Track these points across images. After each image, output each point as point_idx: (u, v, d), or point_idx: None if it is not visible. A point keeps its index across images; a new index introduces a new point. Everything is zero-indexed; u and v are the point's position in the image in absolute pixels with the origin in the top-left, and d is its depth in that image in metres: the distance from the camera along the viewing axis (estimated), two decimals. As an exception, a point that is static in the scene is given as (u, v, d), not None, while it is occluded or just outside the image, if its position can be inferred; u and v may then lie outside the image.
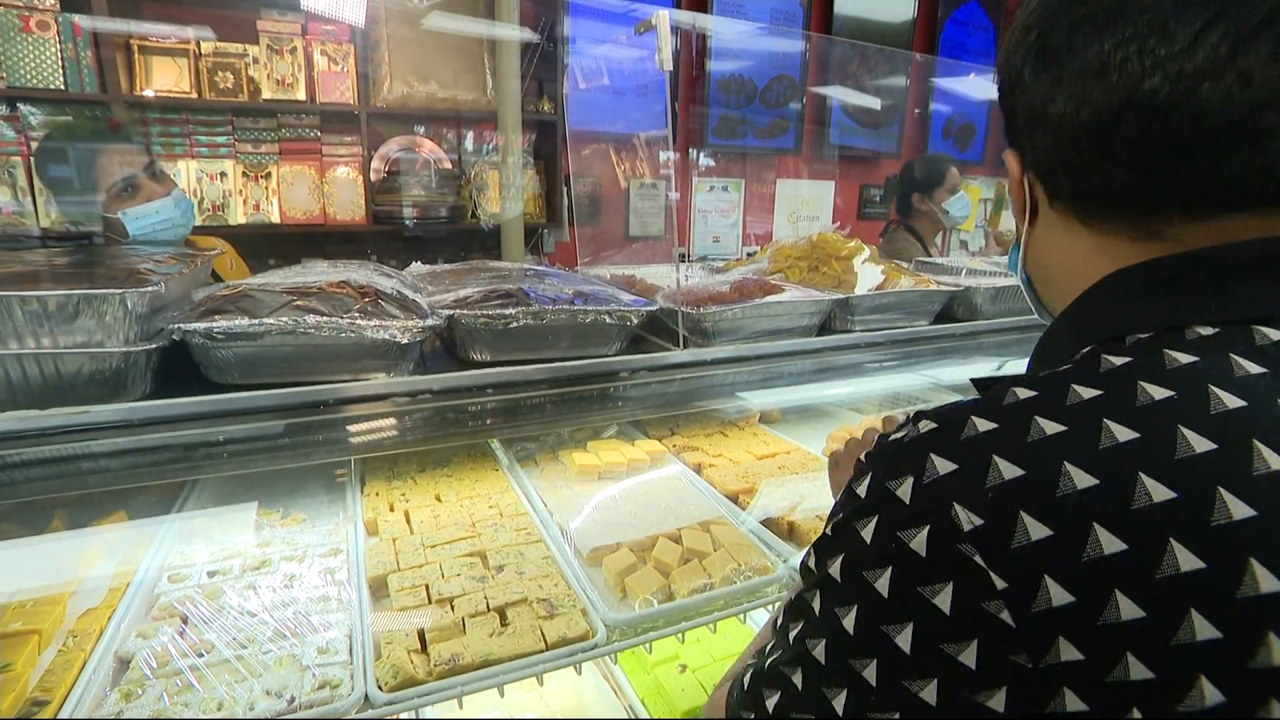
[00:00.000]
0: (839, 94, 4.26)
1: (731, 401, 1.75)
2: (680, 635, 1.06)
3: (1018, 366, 2.35)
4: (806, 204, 4.14)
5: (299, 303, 1.21)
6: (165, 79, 2.80)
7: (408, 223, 3.56)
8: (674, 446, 1.60)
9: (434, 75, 3.31)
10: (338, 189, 3.23)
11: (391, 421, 1.28)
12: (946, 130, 4.55)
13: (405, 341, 1.22)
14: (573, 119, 3.74)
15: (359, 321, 1.18)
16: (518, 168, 3.66)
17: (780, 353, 1.48)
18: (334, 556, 1.26)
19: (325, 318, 1.16)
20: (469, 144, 3.78)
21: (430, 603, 1.10)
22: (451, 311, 1.32)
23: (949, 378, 2.07)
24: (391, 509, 1.40)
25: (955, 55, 4.51)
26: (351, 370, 1.21)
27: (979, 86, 4.70)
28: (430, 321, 1.27)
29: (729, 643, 1.41)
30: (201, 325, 1.05)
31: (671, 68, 1.31)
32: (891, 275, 1.66)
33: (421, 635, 1.03)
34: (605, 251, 3.65)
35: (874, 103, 4.42)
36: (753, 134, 3.87)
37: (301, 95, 3.00)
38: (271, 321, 1.12)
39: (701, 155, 4.02)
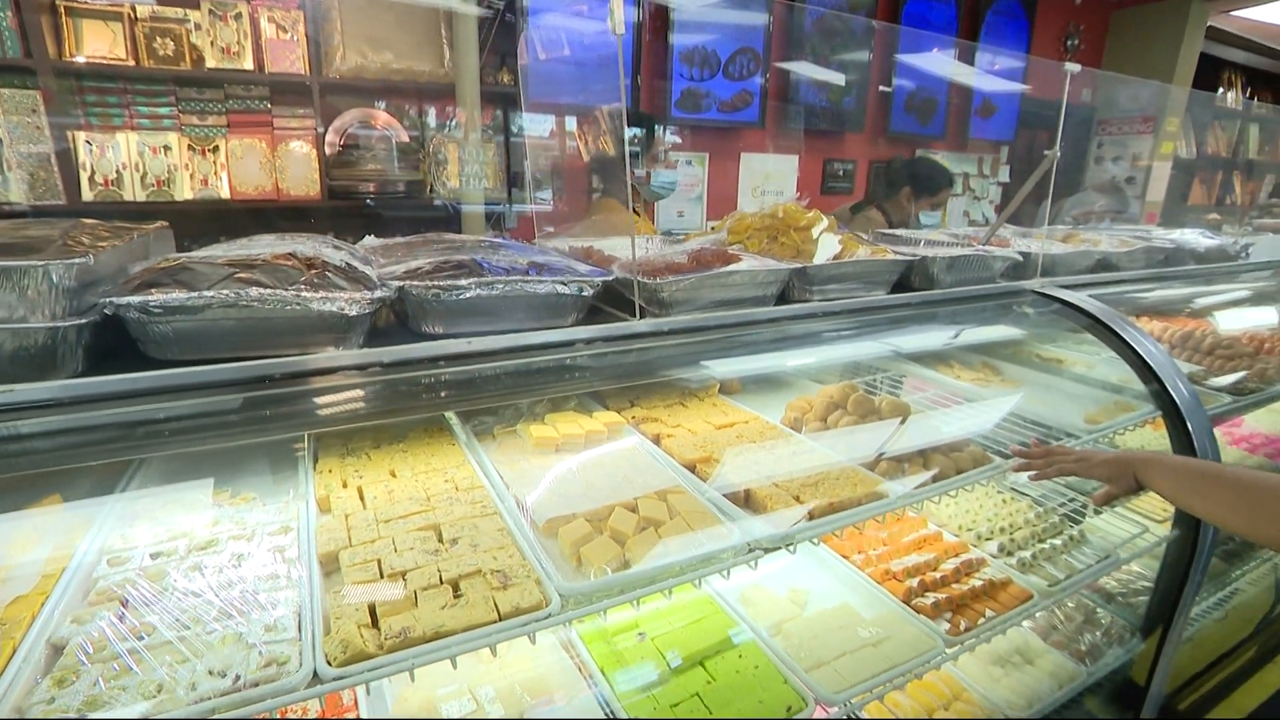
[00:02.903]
0: (803, 69, 4.24)
1: (691, 372, 1.75)
2: (635, 602, 1.07)
3: (974, 335, 2.38)
4: (771, 178, 4.14)
5: (241, 275, 1.17)
6: (97, 44, 2.66)
7: (369, 200, 3.48)
8: (633, 418, 1.60)
9: (389, 45, 3.21)
10: (290, 163, 3.13)
11: (342, 396, 1.26)
12: (909, 104, 4.57)
13: (354, 314, 1.19)
14: (533, 91, 3.67)
15: (304, 294, 1.15)
16: (478, 141, 3.58)
17: (738, 322, 1.48)
18: (284, 534, 1.23)
19: (269, 290, 1.13)
20: (428, 117, 3.69)
21: (382, 577, 1.09)
22: (402, 283, 1.29)
23: (911, 346, 2.11)
24: (345, 485, 1.38)
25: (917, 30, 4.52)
26: (299, 344, 1.18)
27: (941, 61, 4.73)
28: (379, 293, 1.24)
29: (688, 610, 1.42)
30: (136, 299, 1.01)
31: (623, 32, 1.29)
32: (849, 245, 1.66)
33: (372, 610, 1.01)
34: (567, 225, 3.61)
35: (838, 78, 4.42)
36: (716, 107, 3.84)
37: (249, 65, 2.88)
38: (211, 294, 1.08)
39: (667, 130, 3.98)
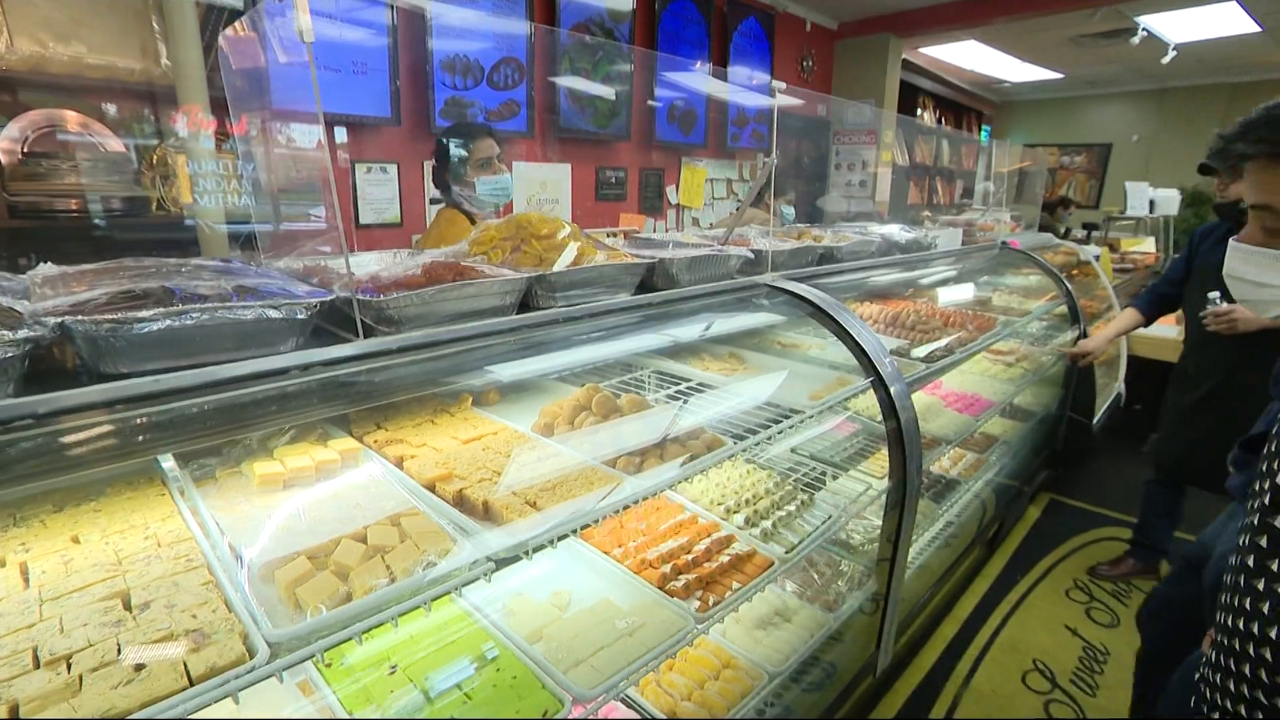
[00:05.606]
0: (569, 81, 4.35)
1: (441, 387, 1.71)
2: (360, 638, 1.01)
3: (720, 327, 2.57)
4: (545, 187, 4.18)
5: None
6: None
7: (98, 221, 2.97)
8: (375, 441, 1.52)
9: (77, 35, 2.75)
10: (-51, 176, 2.56)
11: (-10, 459, 1.05)
12: (671, 115, 4.88)
13: (-9, 359, 1.01)
14: (277, 97, 3.36)
15: (-97, 340, 0.95)
16: (210, 152, 3.20)
17: (475, 334, 1.47)
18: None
19: None
20: (150, 124, 3.24)
21: (37, 668, 0.92)
22: (62, 319, 1.11)
23: (663, 342, 2.24)
24: (3, 565, 1.15)
25: (672, 44, 4.84)
26: (-88, 401, 0.97)
27: (698, 79, 5.11)
28: (26, 333, 1.06)
29: (443, 631, 1.38)
30: None
31: (312, 39, 1.22)
32: (586, 251, 1.73)
33: (15, 711, 0.85)
34: (320, 242, 3.36)
35: (605, 91, 4.59)
36: (483, 116, 3.80)
37: None
38: None
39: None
